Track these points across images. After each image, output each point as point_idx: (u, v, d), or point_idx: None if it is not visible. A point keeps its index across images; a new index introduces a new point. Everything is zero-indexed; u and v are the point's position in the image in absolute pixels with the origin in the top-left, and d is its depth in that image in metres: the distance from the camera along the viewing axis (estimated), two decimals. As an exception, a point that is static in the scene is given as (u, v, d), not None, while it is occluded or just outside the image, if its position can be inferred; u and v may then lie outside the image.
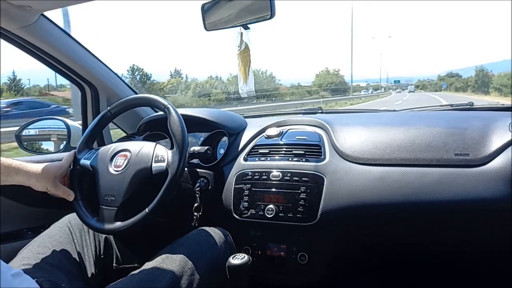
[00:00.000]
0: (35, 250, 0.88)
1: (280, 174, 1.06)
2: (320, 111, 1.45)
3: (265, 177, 1.07)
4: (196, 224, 1.05)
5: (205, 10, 1.08)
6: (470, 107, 1.32)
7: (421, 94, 49.17)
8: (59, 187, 0.93)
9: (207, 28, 1.09)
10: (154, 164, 0.90)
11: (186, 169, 1.07)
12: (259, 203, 1.05)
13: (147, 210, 0.87)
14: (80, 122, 1.40)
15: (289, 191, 1.03)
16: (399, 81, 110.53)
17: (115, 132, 1.49)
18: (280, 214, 1.02)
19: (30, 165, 0.91)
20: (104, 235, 1.00)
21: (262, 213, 1.04)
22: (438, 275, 1.17)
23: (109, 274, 0.97)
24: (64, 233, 0.94)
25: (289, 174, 1.05)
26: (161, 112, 0.98)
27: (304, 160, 1.07)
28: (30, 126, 1.33)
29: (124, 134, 1.45)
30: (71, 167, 0.98)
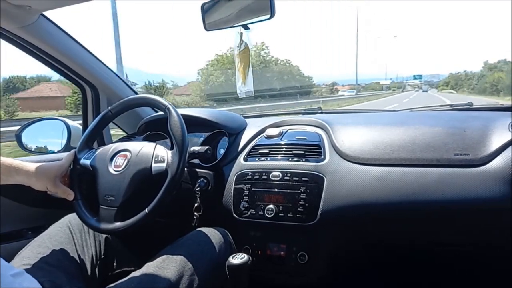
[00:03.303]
0: (35, 250, 0.88)
1: (280, 174, 1.06)
2: (320, 111, 1.46)
3: (265, 177, 1.07)
4: (196, 224, 1.05)
5: (205, 10, 1.08)
6: (469, 107, 1.32)
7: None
8: (59, 186, 0.93)
9: (207, 28, 1.09)
10: (154, 165, 0.90)
11: (186, 169, 1.07)
12: (259, 203, 1.05)
13: (146, 210, 0.87)
14: (80, 122, 1.41)
15: (289, 191, 1.03)
16: (420, 76, 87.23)
17: (116, 132, 1.50)
18: (280, 214, 1.02)
19: (30, 164, 0.91)
20: (104, 236, 1.00)
21: (262, 213, 1.04)
22: (438, 275, 1.17)
23: (109, 275, 0.98)
24: (64, 233, 0.95)
25: (289, 174, 1.05)
26: (161, 112, 0.99)
27: (304, 160, 1.07)
28: (31, 126, 1.34)
29: (124, 134, 1.45)
30: (71, 166, 0.98)
